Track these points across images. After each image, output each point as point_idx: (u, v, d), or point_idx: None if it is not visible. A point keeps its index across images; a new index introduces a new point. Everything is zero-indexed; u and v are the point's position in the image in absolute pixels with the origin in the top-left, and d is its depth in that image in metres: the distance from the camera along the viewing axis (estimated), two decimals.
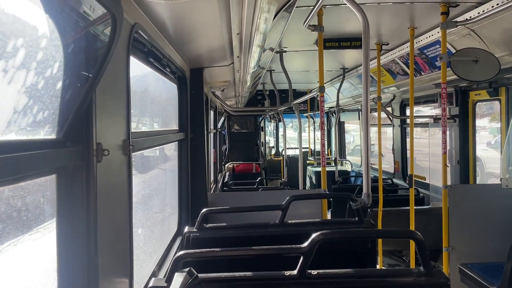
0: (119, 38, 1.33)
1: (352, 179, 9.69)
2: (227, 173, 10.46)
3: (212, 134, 7.35)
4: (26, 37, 1.16)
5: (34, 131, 1.23)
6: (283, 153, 10.59)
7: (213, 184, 7.40)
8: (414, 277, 1.82)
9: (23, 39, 1.14)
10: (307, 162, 11.30)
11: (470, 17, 3.68)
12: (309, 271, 1.83)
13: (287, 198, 2.78)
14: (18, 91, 1.11)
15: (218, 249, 1.99)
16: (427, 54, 4.93)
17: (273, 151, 13.42)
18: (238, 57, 3.44)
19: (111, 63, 1.40)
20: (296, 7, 3.06)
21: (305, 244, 1.84)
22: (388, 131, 8.55)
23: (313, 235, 1.85)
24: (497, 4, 3.30)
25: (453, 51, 4.29)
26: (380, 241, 5.30)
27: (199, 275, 1.75)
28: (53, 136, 1.29)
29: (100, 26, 1.41)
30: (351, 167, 10.78)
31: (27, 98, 1.16)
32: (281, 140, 12.95)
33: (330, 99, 10.25)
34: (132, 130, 1.84)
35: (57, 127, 1.30)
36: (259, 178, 7.32)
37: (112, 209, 1.60)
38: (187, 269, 1.70)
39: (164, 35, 2.55)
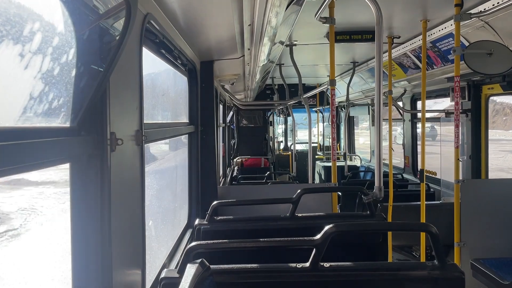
0: (133, 27, 1.32)
1: (362, 174, 9.63)
2: (236, 168, 10.45)
3: (221, 128, 7.34)
4: (41, 24, 1.16)
5: (48, 119, 1.23)
6: (292, 147, 10.55)
7: (222, 178, 7.41)
8: (428, 271, 1.80)
9: (39, 24, 1.13)
10: (316, 157, 11.25)
11: (485, 9, 3.62)
12: (322, 263, 1.82)
13: (298, 191, 2.77)
14: (34, 77, 1.10)
15: (230, 240, 1.99)
16: (439, 47, 4.86)
17: (282, 146, 13.39)
18: (248, 49, 3.42)
19: (124, 53, 1.39)
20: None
21: (318, 236, 1.82)
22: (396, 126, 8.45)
23: (326, 227, 1.83)
24: None
25: (466, 44, 4.22)
26: (390, 235, 5.27)
27: (211, 266, 1.75)
28: (67, 125, 1.29)
29: (114, 15, 1.41)
30: (360, 162, 10.71)
31: (42, 85, 1.15)
32: (290, 134, 12.90)
33: (339, 93, 10.17)
34: (144, 121, 1.84)
35: (71, 115, 1.30)
36: (267, 172, 7.30)
37: (125, 198, 1.60)
38: (199, 261, 1.69)
39: (175, 26, 2.54)
